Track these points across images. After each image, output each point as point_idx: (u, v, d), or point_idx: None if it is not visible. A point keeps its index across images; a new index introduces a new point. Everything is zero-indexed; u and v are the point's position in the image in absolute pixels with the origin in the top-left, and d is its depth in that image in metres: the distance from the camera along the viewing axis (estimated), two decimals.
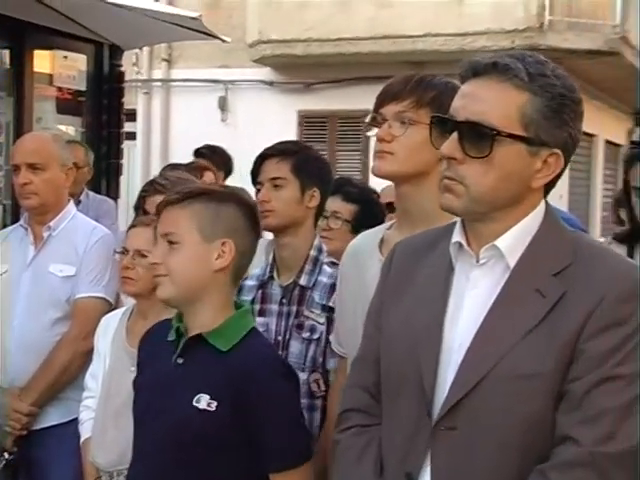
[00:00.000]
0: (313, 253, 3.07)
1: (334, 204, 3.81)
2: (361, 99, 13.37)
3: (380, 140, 2.34)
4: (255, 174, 3.11)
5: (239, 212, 2.44)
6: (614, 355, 1.70)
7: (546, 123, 1.78)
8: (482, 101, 1.78)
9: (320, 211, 3.20)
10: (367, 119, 2.45)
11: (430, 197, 2.26)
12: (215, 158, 6.76)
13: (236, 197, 2.47)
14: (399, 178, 2.39)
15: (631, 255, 2.77)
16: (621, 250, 2.83)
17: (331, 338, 2.77)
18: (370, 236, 2.59)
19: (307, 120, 14.31)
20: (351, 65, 13.48)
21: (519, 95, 1.77)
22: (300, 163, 3.05)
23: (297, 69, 14.03)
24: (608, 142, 17.74)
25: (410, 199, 2.39)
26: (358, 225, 3.94)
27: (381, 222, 4.10)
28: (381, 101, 2.39)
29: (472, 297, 1.84)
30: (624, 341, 1.71)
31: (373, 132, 2.39)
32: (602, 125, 16.69)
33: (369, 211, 4.04)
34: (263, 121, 13.23)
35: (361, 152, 13.78)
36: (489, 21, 12.57)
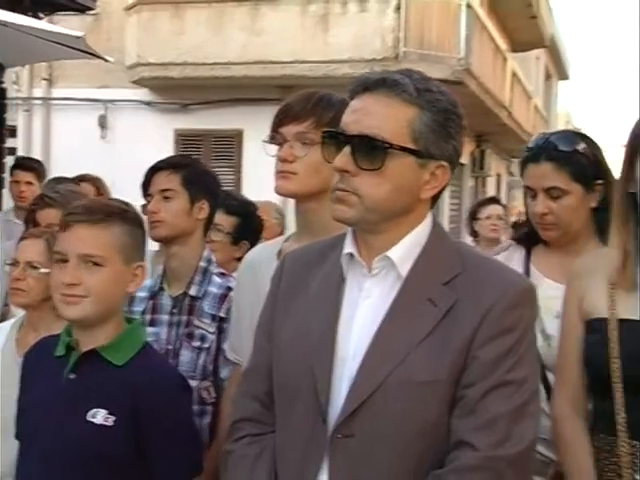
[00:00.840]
0: (202, 264, 2.95)
1: (216, 217, 3.70)
2: (234, 119, 13.52)
3: (282, 160, 2.24)
4: (146, 186, 2.98)
5: (144, 234, 2.34)
6: (505, 361, 1.65)
7: (434, 136, 1.72)
8: (373, 115, 1.71)
9: (209, 223, 3.08)
10: (266, 137, 2.33)
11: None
12: None
13: (140, 219, 2.34)
14: (301, 196, 2.29)
15: (529, 256, 2.74)
16: (520, 251, 2.79)
17: (225, 346, 2.65)
18: (268, 247, 2.50)
19: (183, 138, 14.22)
20: (225, 88, 13.49)
21: (408, 109, 1.71)
22: (190, 176, 2.94)
23: (174, 90, 13.94)
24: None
25: (311, 214, 2.30)
26: (239, 237, 3.86)
27: (260, 234, 4.02)
28: (281, 120, 2.28)
29: (365, 307, 1.76)
30: (514, 347, 1.67)
31: (272, 151, 2.29)
32: None
33: (249, 223, 3.95)
34: (141, 139, 13.05)
35: (234, 168, 13.76)
36: (350, 51, 12.84)
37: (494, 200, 6.53)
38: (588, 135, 2.68)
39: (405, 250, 1.76)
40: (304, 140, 2.23)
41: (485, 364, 1.65)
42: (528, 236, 2.77)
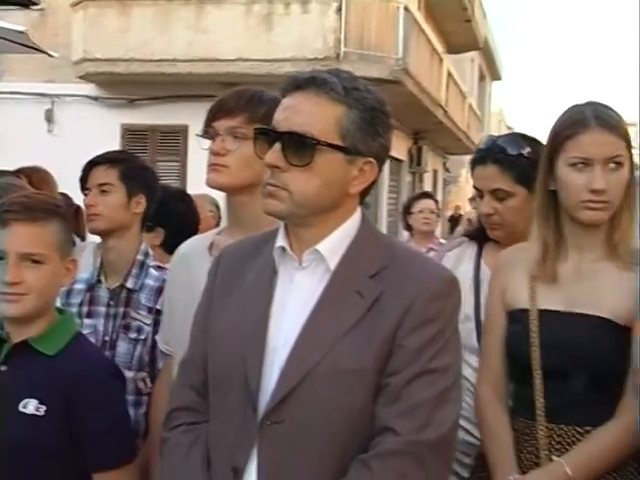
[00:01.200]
0: (139, 257, 2.90)
1: None
2: (180, 115, 13.36)
3: (215, 154, 2.22)
4: (84, 180, 2.92)
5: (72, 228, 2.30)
6: (428, 350, 1.65)
7: (361, 134, 1.70)
8: (302, 113, 1.69)
9: (146, 217, 3.02)
10: (200, 132, 2.31)
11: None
12: None
13: (70, 214, 2.30)
14: (232, 189, 2.27)
15: (480, 252, 2.77)
16: (473, 247, 2.82)
17: (157, 338, 2.61)
18: (200, 240, 2.46)
19: (130, 133, 14.09)
20: (171, 84, 13.38)
21: (336, 108, 1.69)
22: (127, 171, 2.88)
23: (120, 86, 13.79)
24: (392, 158, 18.26)
25: (242, 207, 2.28)
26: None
27: (183, 222, 3.93)
28: (214, 115, 2.26)
29: (295, 298, 1.74)
30: (436, 336, 1.66)
31: (206, 145, 2.26)
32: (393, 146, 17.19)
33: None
34: (88, 133, 12.82)
35: (179, 162, 13.66)
36: (293, 50, 12.84)
37: (427, 195, 6.58)
38: (535, 138, 2.69)
39: (334, 243, 1.74)
40: (236, 134, 2.21)
41: (409, 353, 1.64)
42: (480, 233, 2.79)
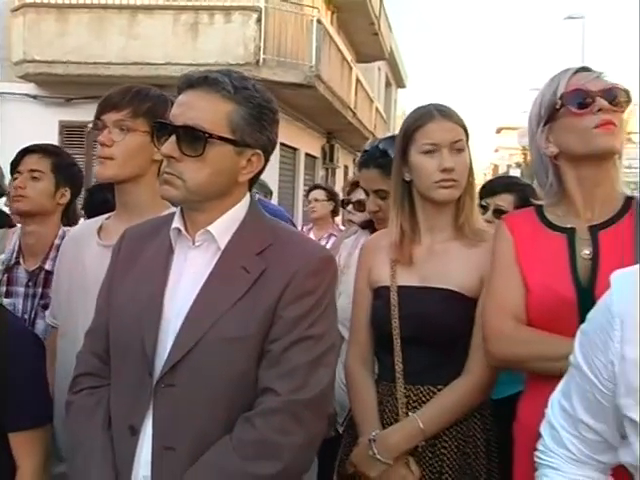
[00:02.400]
0: (57, 241, 2.85)
1: None
2: None
3: (101, 144, 2.21)
4: (15, 165, 2.88)
5: None
6: (306, 319, 1.68)
7: (249, 128, 1.72)
8: (196, 109, 1.70)
9: (67, 209, 2.96)
10: (90, 125, 2.30)
11: (146, 192, 2.21)
12: None
13: None
14: (119, 181, 2.26)
15: None
16: (366, 234, 2.88)
17: (47, 312, 2.56)
18: (91, 223, 2.42)
19: (67, 129, 13.69)
20: (105, 84, 12.87)
21: (226, 104, 1.70)
22: (58, 164, 2.86)
23: (58, 86, 13.42)
24: (307, 154, 18.32)
25: (128, 195, 2.26)
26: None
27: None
28: (102, 109, 2.24)
29: (189, 274, 1.75)
30: (313, 307, 1.70)
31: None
32: (303, 141, 17.23)
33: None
34: (28, 129, 12.36)
35: None
36: (217, 56, 12.70)
37: (316, 186, 6.63)
38: None
39: (224, 225, 1.76)
40: (122, 127, 2.20)
41: (288, 322, 1.67)
42: (372, 223, 2.85)
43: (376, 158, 2.65)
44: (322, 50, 14.22)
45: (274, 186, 13.79)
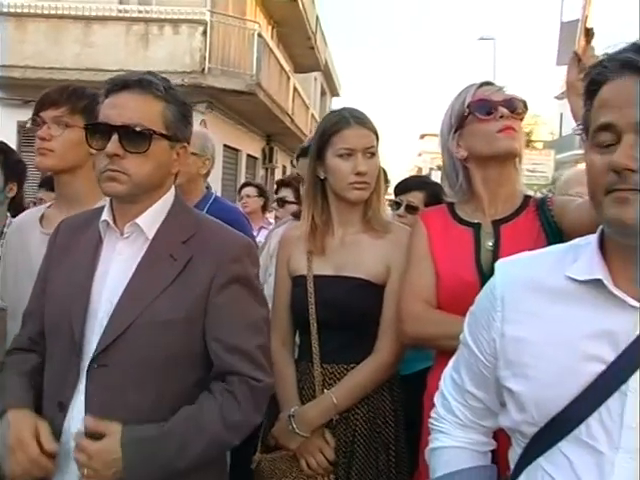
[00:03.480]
0: (6, 230, 2.74)
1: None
2: None
3: (41, 139, 2.13)
4: None
5: None
6: (242, 304, 1.67)
7: (178, 124, 1.72)
8: (134, 109, 1.65)
9: (13, 201, 2.87)
10: (29, 121, 2.21)
11: (83, 183, 2.15)
12: None
13: None
14: (58, 171, 2.18)
15: None
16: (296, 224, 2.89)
17: None
18: (34, 212, 2.35)
19: (25, 129, 13.17)
20: None
21: (159, 103, 1.68)
22: (7, 160, 2.76)
23: (17, 89, 12.97)
24: (249, 155, 18.21)
25: (67, 185, 2.19)
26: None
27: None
28: (41, 106, 2.16)
29: (118, 263, 1.70)
30: (245, 291, 1.69)
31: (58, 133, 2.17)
32: (245, 143, 17.14)
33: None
34: None
35: None
36: (166, 64, 12.55)
37: (246, 184, 6.56)
38: None
39: (151, 217, 1.72)
40: (60, 122, 2.13)
41: (223, 308, 1.65)
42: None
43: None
44: (262, 61, 14.18)
45: (217, 184, 13.69)
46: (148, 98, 1.67)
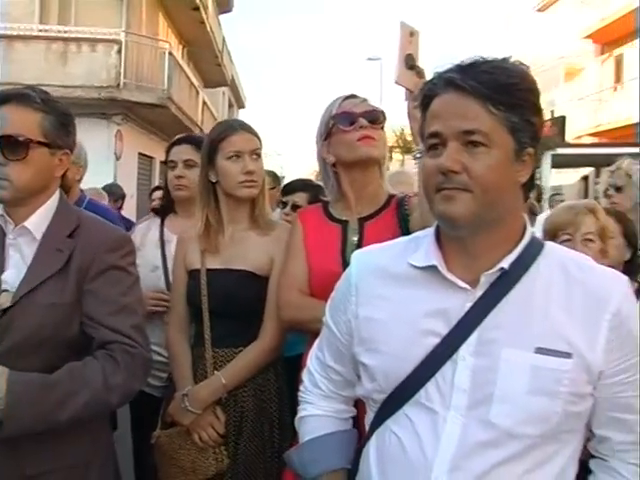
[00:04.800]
0: None
1: None
2: None
3: None
4: None
5: None
6: (117, 289, 1.62)
7: (58, 132, 1.65)
8: (14, 120, 1.59)
9: None
10: None
11: None
12: None
13: None
14: None
15: (163, 221, 2.77)
16: (156, 220, 2.79)
17: None
18: None
19: None
20: None
21: (37, 114, 1.61)
22: None
23: None
24: (162, 162, 17.63)
25: None
26: None
27: None
28: None
29: (13, 260, 1.62)
30: (120, 279, 1.63)
31: None
32: (158, 151, 16.66)
33: None
34: None
35: None
36: (83, 79, 12.18)
37: (158, 187, 6.42)
38: None
39: (40, 218, 1.65)
40: None
41: (99, 294, 1.60)
42: (163, 208, 2.77)
43: (185, 138, 2.70)
44: (173, 76, 13.90)
45: (133, 189, 13.29)
46: (27, 110, 1.60)
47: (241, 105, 35.13)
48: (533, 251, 1.20)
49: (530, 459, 1.14)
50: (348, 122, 1.93)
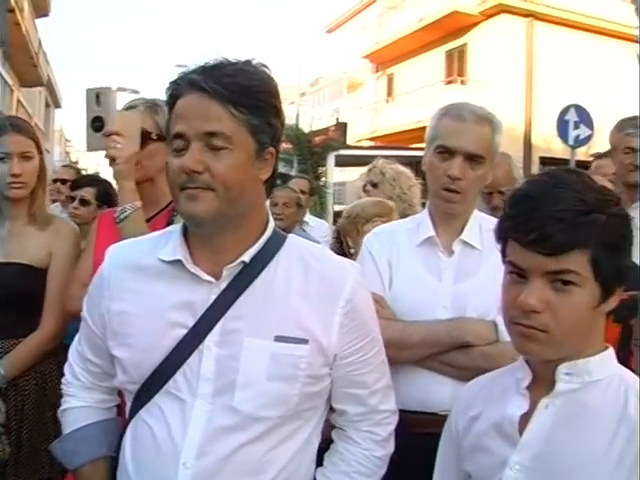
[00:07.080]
0: None
1: None
2: None
3: None
4: None
5: None
6: None
7: None
8: None
9: None
10: None
11: None
12: None
13: None
14: None
15: None
16: None
17: None
18: None
19: None
20: None
21: None
22: None
23: None
24: None
25: None
26: None
27: None
28: None
29: None
30: None
31: None
32: None
33: None
34: None
35: None
36: None
37: None
38: None
39: None
40: None
41: None
42: None
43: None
44: None
45: None
46: None
47: (57, 105, 32.26)
48: (274, 244, 1.16)
49: (274, 437, 1.11)
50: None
